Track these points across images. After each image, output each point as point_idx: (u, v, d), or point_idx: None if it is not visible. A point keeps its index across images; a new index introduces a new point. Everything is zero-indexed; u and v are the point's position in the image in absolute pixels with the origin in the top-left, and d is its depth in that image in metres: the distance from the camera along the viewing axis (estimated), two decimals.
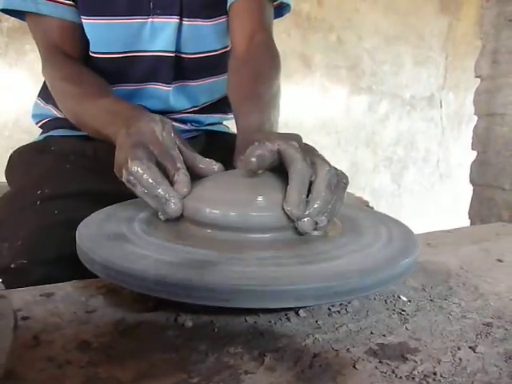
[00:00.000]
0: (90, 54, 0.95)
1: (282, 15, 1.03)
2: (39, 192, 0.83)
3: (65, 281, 0.59)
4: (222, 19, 0.97)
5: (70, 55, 0.93)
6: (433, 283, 0.60)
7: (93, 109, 0.79)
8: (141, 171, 0.57)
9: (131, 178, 0.58)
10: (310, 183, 0.54)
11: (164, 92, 0.99)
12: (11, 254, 0.73)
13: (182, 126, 1.06)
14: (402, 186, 3.63)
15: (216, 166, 0.64)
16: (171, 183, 0.58)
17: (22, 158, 1.01)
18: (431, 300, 0.55)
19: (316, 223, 0.53)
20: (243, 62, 0.91)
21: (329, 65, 3.09)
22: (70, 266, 0.59)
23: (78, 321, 0.48)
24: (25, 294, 0.55)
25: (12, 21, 2.02)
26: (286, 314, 0.50)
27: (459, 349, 0.44)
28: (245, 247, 0.53)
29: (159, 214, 0.59)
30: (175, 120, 1.03)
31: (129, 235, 0.56)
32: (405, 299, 0.55)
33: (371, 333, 0.46)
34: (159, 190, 0.57)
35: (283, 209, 0.53)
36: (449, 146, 3.79)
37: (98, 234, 0.56)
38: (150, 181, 0.57)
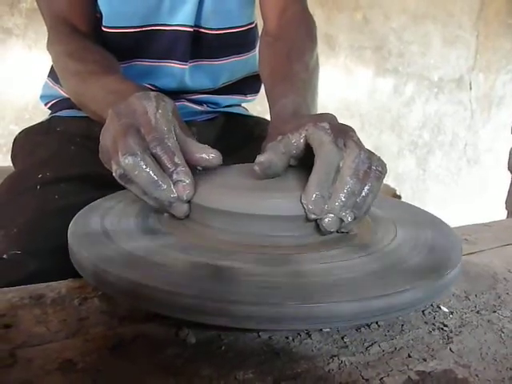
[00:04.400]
0: (103, 28, 0.86)
1: None
2: (40, 175, 0.77)
3: (62, 274, 0.52)
4: None
5: (78, 29, 0.85)
6: (477, 290, 0.52)
7: (94, 88, 0.71)
8: (136, 169, 0.47)
9: (123, 173, 0.49)
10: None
11: (179, 70, 0.90)
12: (5, 243, 0.67)
13: (198, 108, 0.98)
14: (427, 171, 3.51)
15: (213, 154, 0.52)
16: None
17: (26, 139, 0.95)
18: (477, 312, 0.47)
19: (341, 221, 0.45)
20: (276, 37, 0.83)
21: (353, 46, 2.97)
22: (68, 257, 0.52)
23: (67, 331, 0.42)
24: (12, 294, 0.48)
25: (30, 1, 1.96)
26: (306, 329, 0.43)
27: None
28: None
29: None
30: (190, 101, 0.96)
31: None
32: (446, 310, 0.47)
33: (409, 356, 0.39)
34: (160, 194, 0.48)
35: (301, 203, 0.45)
36: (477, 130, 3.65)
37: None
38: (148, 182, 0.48)
